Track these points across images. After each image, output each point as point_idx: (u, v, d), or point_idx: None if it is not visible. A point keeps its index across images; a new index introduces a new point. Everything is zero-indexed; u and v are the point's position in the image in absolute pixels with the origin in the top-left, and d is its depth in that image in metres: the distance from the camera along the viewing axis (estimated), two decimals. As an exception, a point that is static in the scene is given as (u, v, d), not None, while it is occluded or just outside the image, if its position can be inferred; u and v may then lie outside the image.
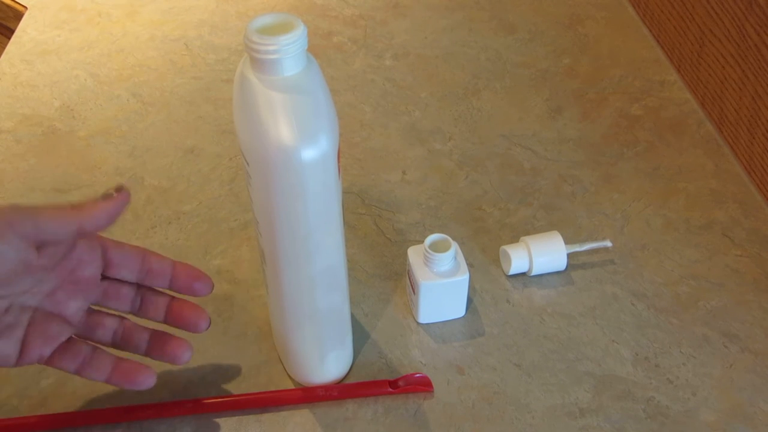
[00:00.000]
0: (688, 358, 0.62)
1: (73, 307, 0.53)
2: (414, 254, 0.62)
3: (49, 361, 0.53)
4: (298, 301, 0.54)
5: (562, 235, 0.67)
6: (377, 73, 0.89)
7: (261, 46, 0.44)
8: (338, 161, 0.49)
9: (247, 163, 0.48)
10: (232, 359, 0.62)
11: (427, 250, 0.61)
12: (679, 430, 0.57)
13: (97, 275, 0.54)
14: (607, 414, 0.58)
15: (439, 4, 0.99)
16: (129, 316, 0.56)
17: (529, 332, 0.64)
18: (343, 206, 0.52)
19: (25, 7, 0.99)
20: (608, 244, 0.68)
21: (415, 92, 0.87)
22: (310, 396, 0.59)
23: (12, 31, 0.97)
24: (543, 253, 0.66)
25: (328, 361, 0.58)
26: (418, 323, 0.64)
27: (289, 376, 0.61)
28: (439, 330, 0.64)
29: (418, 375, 0.60)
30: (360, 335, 0.63)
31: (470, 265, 0.68)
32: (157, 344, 0.56)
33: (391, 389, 0.59)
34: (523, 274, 0.68)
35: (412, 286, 0.63)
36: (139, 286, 0.56)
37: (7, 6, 1.05)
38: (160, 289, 0.57)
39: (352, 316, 0.60)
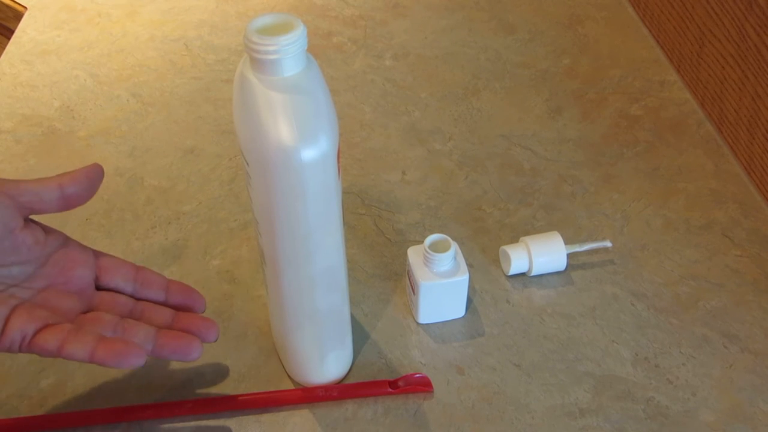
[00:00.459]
0: (687, 359, 0.62)
1: (66, 306, 0.52)
2: (414, 254, 0.62)
3: (31, 343, 0.50)
4: (298, 301, 0.54)
5: (561, 236, 0.67)
6: (377, 74, 0.89)
7: (261, 47, 0.44)
8: (338, 161, 0.49)
9: (247, 164, 0.48)
10: (232, 359, 0.62)
11: (426, 251, 0.61)
12: (679, 430, 0.57)
13: (90, 279, 0.54)
14: (607, 414, 0.58)
15: (439, 5, 0.99)
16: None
17: (529, 332, 0.64)
18: (342, 206, 0.52)
19: (25, 8, 0.99)
20: (608, 244, 0.68)
21: (414, 92, 0.87)
22: (309, 396, 0.59)
23: (12, 32, 0.97)
24: (543, 254, 0.66)
25: (327, 361, 0.58)
26: (417, 323, 0.64)
27: (289, 376, 0.61)
28: (438, 330, 0.64)
29: (417, 375, 0.60)
30: (360, 335, 0.63)
31: (470, 266, 0.68)
32: (178, 322, 0.54)
33: (390, 389, 0.59)
34: (523, 274, 0.68)
35: (411, 286, 0.63)
36: (136, 300, 0.55)
37: (7, 6, 1.05)
38: (160, 303, 0.56)
39: (352, 317, 0.60)
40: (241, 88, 0.47)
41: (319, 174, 0.47)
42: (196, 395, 0.60)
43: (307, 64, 0.46)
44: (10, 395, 0.60)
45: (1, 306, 0.50)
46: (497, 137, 0.81)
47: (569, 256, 0.67)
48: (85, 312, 0.53)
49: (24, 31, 0.96)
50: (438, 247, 0.61)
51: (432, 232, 0.63)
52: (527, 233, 0.71)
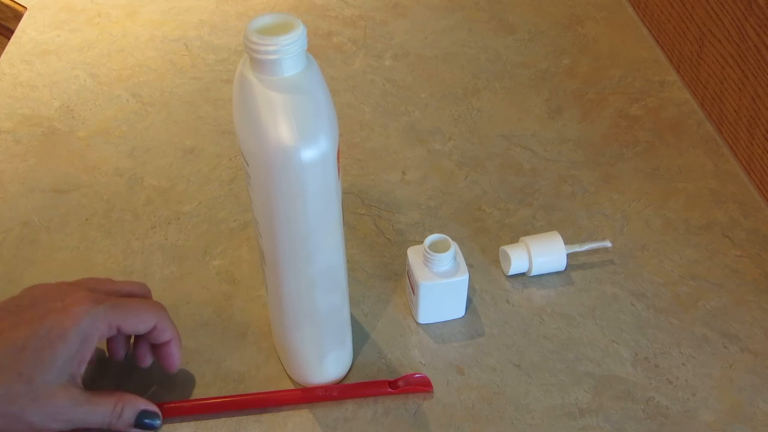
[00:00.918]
0: (687, 359, 0.62)
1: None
2: (414, 254, 0.62)
3: None
4: (298, 301, 0.54)
5: (561, 236, 0.67)
6: (377, 74, 0.89)
7: (261, 47, 0.44)
8: (338, 161, 0.49)
9: (247, 164, 0.48)
10: (232, 359, 0.62)
11: (426, 251, 0.61)
12: (679, 430, 0.57)
13: None
14: (607, 414, 0.58)
15: (439, 5, 0.99)
16: None
17: (529, 332, 0.64)
18: (342, 206, 0.52)
19: (25, 8, 0.99)
20: (608, 244, 0.68)
21: (414, 92, 0.87)
22: (309, 396, 0.59)
23: (12, 32, 0.97)
24: (543, 254, 0.66)
25: (327, 361, 0.58)
26: (417, 323, 0.64)
27: (289, 377, 0.61)
28: (438, 330, 0.64)
29: (417, 375, 0.60)
30: (360, 335, 0.63)
31: (470, 266, 0.68)
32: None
33: (390, 389, 0.59)
34: (523, 274, 0.68)
35: (411, 286, 0.63)
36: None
37: (7, 6, 1.05)
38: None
39: (352, 317, 0.60)
40: (241, 88, 0.47)
41: (318, 174, 0.47)
42: (196, 395, 0.60)
43: (307, 65, 0.46)
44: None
45: None
46: (497, 137, 0.81)
47: (569, 256, 0.67)
48: None
49: (24, 31, 0.96)
50: (438, 247, 0.61)
51: (432, 232, 0.63)
52: (527, 233, 0.71)
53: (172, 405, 0.58)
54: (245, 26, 0.45)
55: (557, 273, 0.68)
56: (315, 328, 0.56)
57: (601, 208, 0.74)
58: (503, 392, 0.60)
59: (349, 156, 0.79)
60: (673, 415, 0.58)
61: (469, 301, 0.65)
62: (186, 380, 0.60)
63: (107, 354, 0.60)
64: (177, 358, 0.58)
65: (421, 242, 0.61)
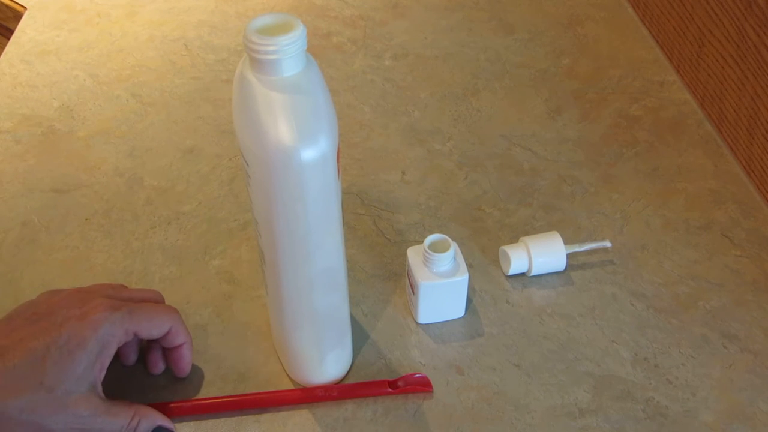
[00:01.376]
0: (687, 359, 0.62)
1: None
2: (413, 254, 0.62)
3: None
4: (298, 301, 0.54)
5: (561, 236, 0.67)
6: (377, 74, 0.89)
7: (260, 47, 0.44)
8: (338, 162, 0.49)
9: (247, 164, 0.48)
10: (232, 359, 0.62)
11: (426, 251, 0.61)
12: (679, 430, 0.57)
13: None
14: (607, 414, 0.58)
15: (439, 5, 0.99)
16: None
17: (529, 332, 0.64)
18: (342, 207, 0.52)
19: (25, 8, 0.99)
20: (607, 244, 0.68)
21: (414, 92, 0.87)
22: (309, 396, 0.59)
23: (11, 32, 0.97)
24: (542, 254, 0.66)
25: (327, 361, 0.58)
26: (417, 323, 0.64)
27: (289, 377, 0.61)
28: (438, 330, 0.64)
29: (417, 375, 0.60)
30: (359, 336, 0.63)
31: (470, 266, 0.68)
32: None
33: (390, 389, 0.59)
34: (523, 274, 0.68)
35: (411, 286, 0.63)
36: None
37: (7, 6, 1.05)
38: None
39: (352, 317, 0.60)
40: (240, 89, 0.47)
41: (318, 174, 0.47)
42: (196, 395, 0.60)
43: (306, 65, 0.46)
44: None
45: None
46: (497, 137, 0.81)
47: (569, 256, 0.67)
48: None
49: (23, 31, 0.96)
50: (438, 247, 0.61)
51: (432, 232, 0.63)
52: (527, 233, 0.71)
53: (172, 405, 0.58)
54: (245, 26, 0.45)
55: (557, 273, 0.68)
56: (315, 328, 0.56)
57: (600, 208, 0.74)
58: (503, 392, 0.60)
59: (348, 156, 0.79)
60: (673, 415, 0.58)
61: (468, 301, 0.65)
62: (186, 380, 0.60)
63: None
64: (189, 361, 0.59)
65: (421, 242, 0.61)
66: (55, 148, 0.80)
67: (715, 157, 0.78)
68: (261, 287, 0.67)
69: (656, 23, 0.91)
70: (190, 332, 0.59)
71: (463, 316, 0.65)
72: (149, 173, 0.78)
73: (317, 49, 0.92)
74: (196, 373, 0.61)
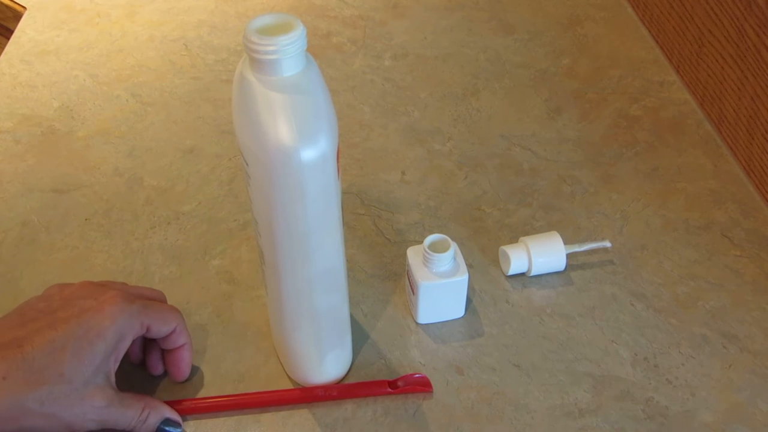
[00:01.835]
0: (687, 359, 0.62)
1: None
2: (413, 254, 0.62)
3: None
4: (297, 301, 0.54)
5: (561, 236, 0.67)
6: (376, 74, 0.89)
7: (260, 47, 0.44)
8: (337, 162, 0.49)
9: (247, 164, 0.48)
10: (232, 359, 0.62)
11: (426, 251, 0.61)
12: (678, 430, 0.57)
13: None
14: (606, 414, 0.58)
15: (439, 5, 0.99)
16: None
17: (529, 333, 0.64)
18: (342, 206, 0.52)
19: (25, 8, 0.99)
20: (607, 244, 0.68)
21: (414, 92, 0.87)
22: (308, 396, 0.59)
23: (11, 32, 0.97)
24: (542, 254, 0.66)
25: (327, 361, 0.58)
26: (417, 323, 0.64)
27: (288, 377, 0.61)
28: (438, 330, 0.64)
29: (417, 375, 0.60)
30: (359, 336, 0.63)
31: (469, 266, 0.68)
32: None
33: (390, 389, 0.59)
34: (523, 274, 0.68)
35: (411, 286, 0.63)
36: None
37: (7, 6, 1.05)
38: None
39: (351, 317, 0.60)
40: (240, 89, 0.47)
41: (318, 174, 0.47)
42: (196, 395, 0.60)
43: (306, 65, 0.46)
44: None
45: None
46: (497, 137, 0.81)
47: (568, 256, 0.67)
48: None
49: (23, 31, 0.96)
50: (437, 247, 0.61)
51: (431, 232, 0.63)
52: (526, 233, 0.71)
53: (171, 404, 0.58)
54: (245, 26, 0.45)
55: (557, 273, 0.68)
56: (314, 328, 0.56)
57: (600, 208, 0.74)
58: (503, 392, 0.60)
59: (348, 156, 0.79)
60: (673, 415, 0.58)
61: (468, 301, 0.65)
62: (186, 380, 0.60)
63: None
64: (188, 363, 0.59)
65: (421, 242, 0.61)
66: (55, 148, 0.80)
67: (715, 157, 0.78)
68: (261, 287, 0.67)
69: (656, 23, 0.91)
70: (190, 334, 0.59)
71: (462, 316, 0.65)
72: (149, 173, 0.78)
73: (317, 49, 0.92)
74: (196, 373, 0.61)
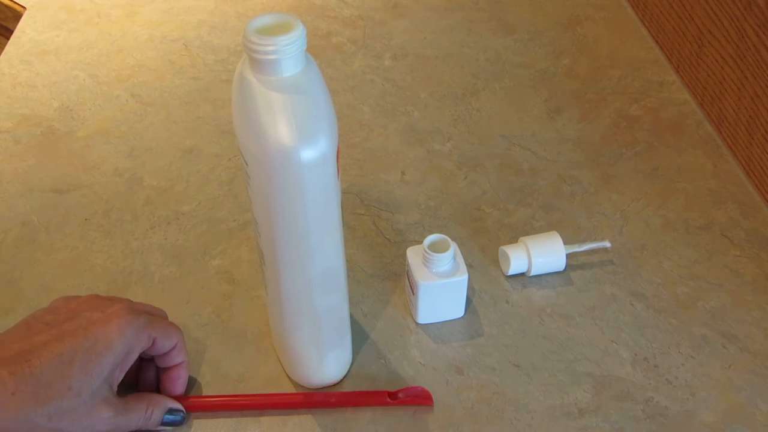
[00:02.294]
0: (687, 359, 0.62)
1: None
2: (413, 254, 0.62)
3: None
4: (297, 301, 0.54)
5: (561, 236, 0.67)
6: (376, 74, 0.89)
7: (260, 47, 0.44)
8: (337, 162, 0.49)
9: (246, 164, 0.48)
10: (231, 359, 0.62)
11: (426, 251, 0.61)
12: (678, 430, 0.57)
13: None
14: (606, 414, 0.58)
15: (438, 5, 0.99)
16: None
17: (528, 333, 0.64)
18: (342, 207, 0.52)
19: (24, 8, 0.99)
20: (607, 244, 0.68)
21: (414, 93, 0.87)
22: (308, 402, 0.59)
23: (11, 32, 0.97)
24: (542, 254, 0.66)
25: (327, 361, 0.58)
26: (417, 323, 0.64)
27: (288, 377, 0.60)
28: (438, 330, 0.64)
29: (418, 388, 0.59)
30: (359, 336, 0.63)
31: (469, 266, 0.68)
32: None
33: (390, 400, 0.58)
34: (522, 274, 0.68)
35: (411, 286, 0.63)
36: None
37: (6, 6, 1.05)
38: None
39: (351, 317, 0.60)
40: (240, 89, 0.47)
41: (318, 174, 0.47)
42: (196, 395, 0.60)
43: (306, 65, 0.46)
44: None
45: None
46: (496, 137, 0.81)
47: (568, 256, 0.67)
48: None
49: (23, 31, 0.96)
50: (437, 248, 0.61)
51: (431, 233, 0.63)
52: (526, 233, 0.71)
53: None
54: (244, 26, 0.45)
55: (557, 273, 0.68)
56: (314, 328, 0.56)
57: (600, 208, 0.74)
58: (502, 392, 0.60)
59: (348, 156, 0.79)
60: (673, 415, 0.58)
61: (468, 301, 0.65)
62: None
63: None
64: (184, 382, 0.58)
65: (421, 242, 0.61)
66: (55, 148, 0.80)
67: (715, 157, 0.78)
68: (261, 287, 0.67)
69: (656, 23, 0.91)
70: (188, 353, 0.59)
71: (462, 316, 0.65)
72: (149, 173, 0.78)
73: (317, 49, 0.92)
74: (196, 373, 0.61)
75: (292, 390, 0.60)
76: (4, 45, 0.95)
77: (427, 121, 0.83)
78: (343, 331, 0.58)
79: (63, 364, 0.50)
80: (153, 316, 0.57)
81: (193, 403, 0.59)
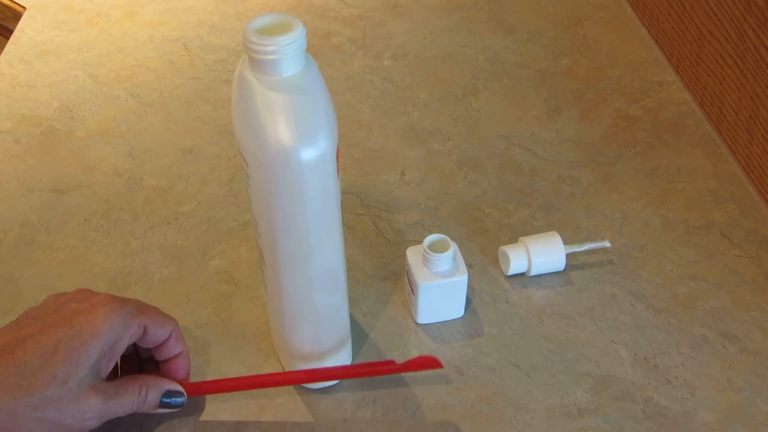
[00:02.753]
0: (686, 359, 0.62)
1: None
2: (413, 254, 0.62)
3: None
4: (297, 301, 0.54)
5: (560, 236, 0.67)
6: (376, 74, 0.89)
7: (260, 47, 0.44)
8: (337, 162, 0.49)
9: (246, 164, 0.48)
10: (231, 359, 0.62)
11: (425, 251, 0.61)
12: (678, 430, 0.57)
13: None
14: (606, 414, 0.58)
15: (438, 5, 0.99)
16: None
17: (528, 333, 0.64)
18: (342, 207, 0.52)
19: (24, 8, 0.99)
20: (607, 244, 0.68)
21: (413, 93, 0.87)
22: (312, 376, 0.58)
23: (11, 32, 0.97)
24: (542, 254, 0.66)
25: (327, 361, 0.58)
26: (416, 323, 0.64)
27: (288, 377, 0.61)
28: (437, 330, 0.64)
29: (424, 356, 0.57)
30: (359, 336, 0.63)
31: (469, 266, 0.68)
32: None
33: (397, 366, 0.57)
34: (522, 274, 0.68)
35: (411, 286, 0.63)
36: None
37: (6, 6, 1.05)
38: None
39: (351, 317, 0.60)
40: (240, 89, 0.47)
41: (318, 174, 0.47)
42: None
43: (306, 65, 0.46)
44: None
45: None
46: (496, 137, 0.81)
47: (568, 256, 0.67)
48: None
49: (23, 31, 0.96)
50: (437, 248, 0.61)
51: (431, 232, 0.63)
52: (526, 233, 0.71)
53: None
54: (244, 26, 0.45)
55: (556, 273, 0.68)
56: (314, 328, 0.56)
57: (600, 208, 0.74)
58: (502, 392, 0.60)
59: (348, 156, 0.79)
60: (672, 415, 0.58)
61: (468, 301, 0.65)
62: (185, 380, 0.60)
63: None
64: (187, 373, 0.58)
65: (421, 242, 0.61)
66: (55, 148, 0.80)
67: (715, 157, 0.78)
68: (261, 287, 0.67)
69: (655, 23, 0.91)
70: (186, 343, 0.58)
71: (462, 317, 0.65)
72: (148, 173, 0.78)
73: (317, 49, 0.92)
74: (196, 373, 0.61)
75: (292, 390, 0.60)
76: (4, 45, 0.95)
77: (427, 121, 0.83)
78: (342, 331, 0.58)
79: (47, 353, 0.50)
80: (143, 303, 0.56)
81: (194, 386, 0.57)
